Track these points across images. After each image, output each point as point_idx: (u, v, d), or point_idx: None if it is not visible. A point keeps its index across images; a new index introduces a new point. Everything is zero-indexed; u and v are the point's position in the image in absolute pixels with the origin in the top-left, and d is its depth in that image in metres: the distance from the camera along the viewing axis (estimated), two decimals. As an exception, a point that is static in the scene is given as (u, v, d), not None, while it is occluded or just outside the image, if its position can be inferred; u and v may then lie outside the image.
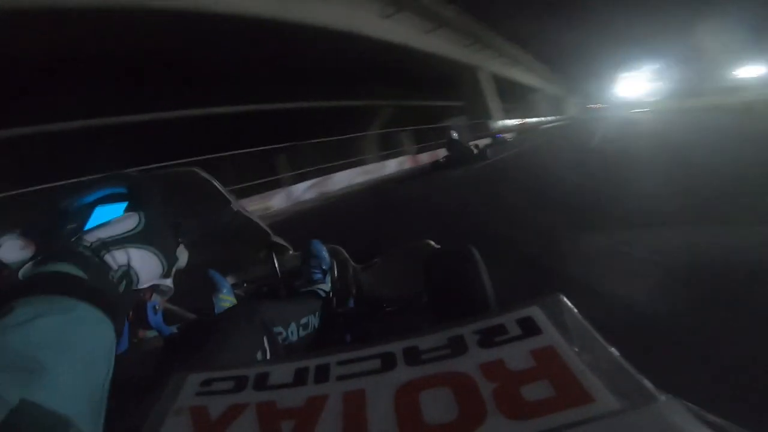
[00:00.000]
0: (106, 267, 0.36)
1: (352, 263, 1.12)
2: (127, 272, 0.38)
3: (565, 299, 0.34)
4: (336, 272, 1.02)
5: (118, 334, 0.34)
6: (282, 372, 0.34)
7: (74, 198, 0.44)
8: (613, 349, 0.28)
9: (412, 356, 0.33)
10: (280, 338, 0.63)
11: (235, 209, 0.77)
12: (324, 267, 0.91)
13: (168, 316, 0.59)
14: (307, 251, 0.95)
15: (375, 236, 3.53)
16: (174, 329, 0.57)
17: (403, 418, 0.27)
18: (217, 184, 0.73)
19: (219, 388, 0.34)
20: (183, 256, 0.49)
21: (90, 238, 0.37)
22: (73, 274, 0.33)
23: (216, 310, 0.82)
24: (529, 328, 0.32)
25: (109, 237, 0.38)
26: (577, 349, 0.28)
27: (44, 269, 0.33)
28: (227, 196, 0.75)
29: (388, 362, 0.33)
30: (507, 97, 29.11)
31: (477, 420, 0.25)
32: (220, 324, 0.58)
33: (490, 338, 0.32)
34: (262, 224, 0.95)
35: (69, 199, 0.44)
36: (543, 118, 35.77)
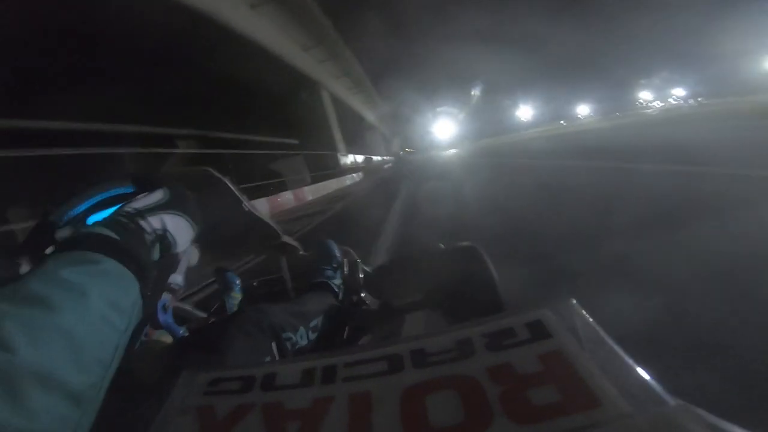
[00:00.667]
0: (141, 231, 0.37)
1: (362, 265, 1.12)
2: (164, 236, 0.39)
3: (576, 303, 0.34)
4: (346, 273, 1.02)
5: (145, 295, 0.35)
6: (289, 373, 0.34)
7: (64, 209, 0.45)
8: (624, 354, 0.27)
9: (419, 358, 0.32)
10: (289, 344, 0.63)
11: (247, 209, 0.77)
12: (335, 265, 0.92)
13: (178, 315, 0.60)
14: (320, 249, 0.95)
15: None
16: (184, 329, 0.58)
17: (408, 421, 0.27)
18: (229, 183, 0.74)
19: (226, 388, 0.34)
20: (194, 254, 0.50)
21: (126, 209, 0.38)
22: (104, 234, 0.34)
23: (228, 308, 0.83)
24: (539, 332, 0.31)
25: (143, 206, 0.39)
26: (587, 354, 0.28)
27: (81, 231, 0.34)
28: (239, 196, 0.76)
29: (395, 364, 0.32)
30: (347, 130, 25.57)
31: (483, 423, 0.25)
32: (229, 329, 0.58)
33: (498, 341, 0.32)
34: (273, 224, 0.95)
35: (67, 204, 0.45)
36: (381, 157, 36.55)
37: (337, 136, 19.47)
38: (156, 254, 0.38)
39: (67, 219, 0.44)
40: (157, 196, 0.42)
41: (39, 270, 0.29)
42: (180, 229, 0.41)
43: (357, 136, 30.00)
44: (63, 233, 0.35)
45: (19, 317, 0.25)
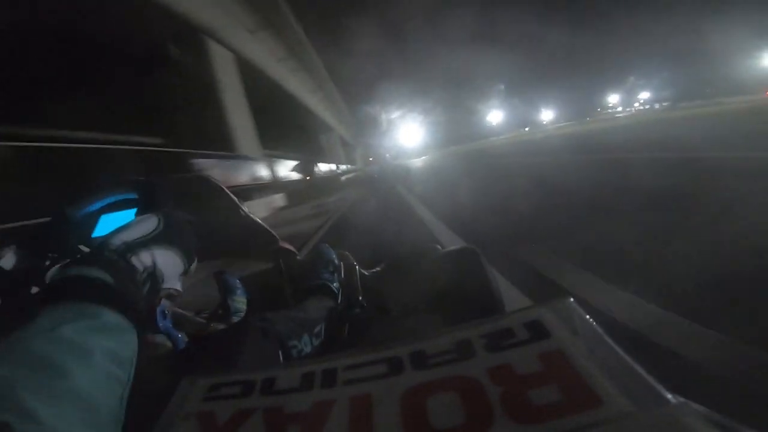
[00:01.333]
0: (133, 270, 0.37)
1: (359, 268, 1.12)
2: (153, 273, 0.38)
3: (575, 302, 0.34)
4: (343, 277, 1.02)
5: (140, 336, 0.35)
6: (289, 377, 0.34)
7: (80, 205, 0.45)
8: (623, 353, 0.27)
9: (419, 360, 0.32)
10: (294, 351, 0.63)
11: (244, 215, 0.77)
12: (332, 269, 0.92)
13: (177, 321, 0.59)
14: (315, 254, 0.95)
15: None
16: (183, 334, 0.57)
17: (409, 423, 0.26)
18: (226, 189, 0.74)
19: (226, 393, 0.34)
20: (193, 264, 0.50)
21: (115, 242, 0.37)
22: (99, 278, 0.33)
23: (232, 312, 0.83)
24: (538, 332, 0.31)
25: (133, 240, 0.38)
26: (586, 353, 0.28)
27: (71, 272, 0.33)
28: (237, 202, 0.76)
29: (395, 367, 0.32)
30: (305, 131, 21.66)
31: (484, 424, 0.25)
32: (236, 339, 0.58)
33: (497, 342, 0.32)
34: (270, 230, 0.95)
35: (74, 206, 0.45)
36: (347, 166, 30.53)
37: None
38: (146, 291, 0.38)
39: (82, 215, 0.45)
40: (149, 225, 0.41)
41: (37, 326, 0.28)
42: (169, 266, 0.41)
43: (312, 139, 23.95)
44: (52, 273, 0.34)
45: (33, 385, 0.25)
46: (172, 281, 0.42)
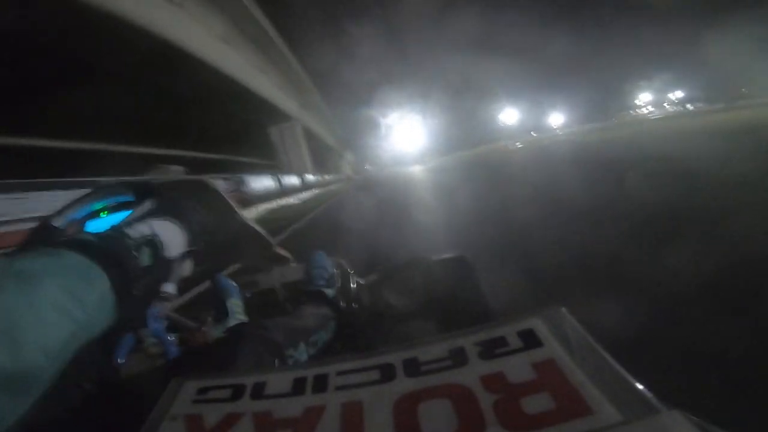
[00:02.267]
0: (122, 234, 0.37)
1: (355, 276, 1.12)
2: (152, 240, 0.39)
3: (567, 311, 0.34)
4: (339, 284, 1.02)
5: (125, 295, 0.33)
6: (280, 381, 0.34)
7: (66, 211, 0.45)
8: (614, 362, 0.27)
9: (412, 367, 0.32)
10: (291, 360, 0.62)
11: (240, 219, 0.77)
12: (326, 276, 0.91)
13: (170, 325, 0.59)
14: (310, 262, 0.95)
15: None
16: (175, 338, 0.57)
17: (401, 430, 0.26)
18: (223, 193, 0.74)
19: (215, 396, 0.33)
20: (187, 264, 0.49)
21: (116, 225, 0.39)
22: (81, 237, 0.33)
23: (229, 315, 0.82)
24: (530, 341, 0.32)
25: (131, 218, 0.39)
26: (578, 362, 0.28)
27: (60, 239, 0.34)
28: (233, 206, 0.76)
29: (387, 373, 0.32)
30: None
31: None
32: (230, 346, 0.58)
33: (490, 350, 0.32)
34: (266, 235, 0.95)
35: (67, 208, 0.45)
36: (322, 177, 23.69)
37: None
38: (146, 258, 0.37)
39: (67, 222, 0.44)
40: (145, 206, 0.42)
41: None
42: (169, 233, 0.41)
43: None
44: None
45: None
46: (176, 249, 0.42)
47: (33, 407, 0.26)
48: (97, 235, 0.35)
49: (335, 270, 0.98)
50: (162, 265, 0.40)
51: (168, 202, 0.43)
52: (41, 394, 0.26)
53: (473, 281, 0.80)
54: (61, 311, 0.28)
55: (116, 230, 0.37)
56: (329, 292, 0.87)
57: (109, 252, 0.33)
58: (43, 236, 0.44)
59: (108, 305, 0.32)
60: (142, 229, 0.38)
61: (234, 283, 0.90)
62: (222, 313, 0.82)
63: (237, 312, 0.85)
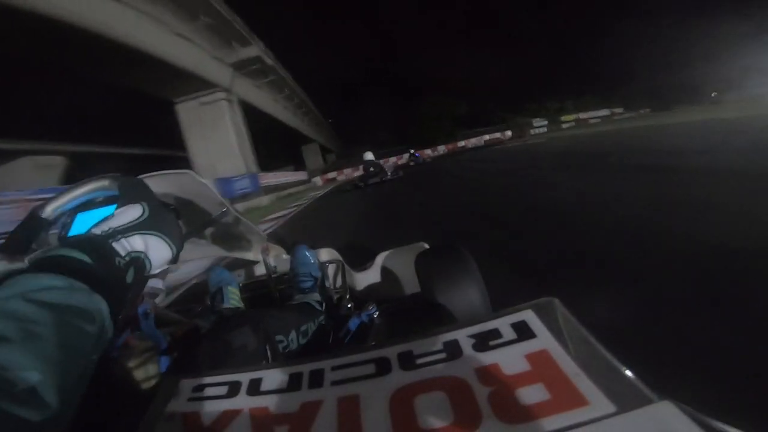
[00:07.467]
0: (114, 253, 0.36)
1: (347, 266, 1.12)
2: (139, 258, 0.38)
3: (559, 303, 0.35)
4: (330, 275, 1.01)
5: (116, 316, 0.33)
6: (276, 377, 0.34)
7: (54, 204, 0.44)
8: (607, 352, 0.28)
9: (407, 361, 0.32)
10: (281, 346, 0.63)
11: (228, 212, 0.76)
12: (313, 274, 0.90)
13: (160, 320, 0.58)
14: (294, 259, 0.94)
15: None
16: (166, 335, 0.56)
17: (398, 423, 0.27)
18: (211, 187, 0.72)
19: (212, 393, 0.33)
20: (166, 272, 0.49)
21: (101, 228, 0.37)
22: (77, 257, 0.33)
23: (224, 303, 0.82)
24: (524, 332, 0.32)
25: (118, 226, 0.38)
26: (571, 353, 0.28)
27: (51, 253, 0.33)
28: (221, 199, 0.75)
29: (382, 367, 0.32)
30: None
31: (472, 424, 0.25)
32: (223, 332, 0.58)
33: (485, 342, 0.32)
34: (256, 228, 0.94)
35: (48, 205, 0.43)
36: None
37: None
38: (130, 277, 0.37)
39: (56, 214, 0.43)
40: (135, 212, 0.41)
41: (8, 288, 0.27)
42: (156, 251, 0.40)
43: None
44: (33, 256, 0.33)
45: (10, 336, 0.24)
46: (159, 267, 0.41)
47: None
48: (92, 252, 0.34)
49: (324, 263, 0.97)
50: (142, 283, 0.40)
51: (156, 214, 0.42)
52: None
53: (468, 271, 0.80)
54: (75, 350, 0.28)
55: (107, 243, 0.36)
56: (315, 296, 0.87)
57: (107, 283, 0.33)
58: (32, 227, 0.43)
59: (107, 334, 0.32)
60: (130, 245, 0.37)
61: (229, 272, 0.90)
62: (218, 301, 0.82)
63: (233, 299, 0.84)
